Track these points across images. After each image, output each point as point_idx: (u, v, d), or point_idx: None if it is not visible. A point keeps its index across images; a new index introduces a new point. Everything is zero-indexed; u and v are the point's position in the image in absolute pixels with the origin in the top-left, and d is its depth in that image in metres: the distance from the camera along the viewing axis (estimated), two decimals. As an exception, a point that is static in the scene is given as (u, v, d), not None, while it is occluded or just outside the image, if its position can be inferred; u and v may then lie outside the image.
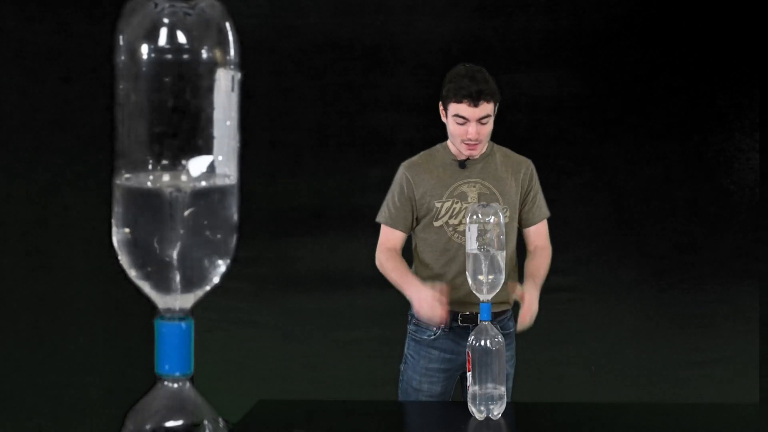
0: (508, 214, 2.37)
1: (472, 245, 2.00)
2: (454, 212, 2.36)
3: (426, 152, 2.46)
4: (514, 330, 2.43)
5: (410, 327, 2.48)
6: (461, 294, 2.29)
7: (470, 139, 2.30)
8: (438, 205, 2.37)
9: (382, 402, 2.48)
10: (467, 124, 2.29)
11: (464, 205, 2.35)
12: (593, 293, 3.68)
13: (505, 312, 2.45)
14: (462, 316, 2.36)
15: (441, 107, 2.37)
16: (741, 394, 3.30)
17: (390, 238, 2.43)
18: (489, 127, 2.32)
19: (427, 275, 2.40)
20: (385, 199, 2.46)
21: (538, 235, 2.49)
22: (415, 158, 2.46)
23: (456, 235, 2.36)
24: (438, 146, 2.46)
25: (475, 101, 2.25)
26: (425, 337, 2.42)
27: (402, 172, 2.43)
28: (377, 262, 2.45)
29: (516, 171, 2.42)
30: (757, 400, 2.04)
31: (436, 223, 2.38)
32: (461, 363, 2.38)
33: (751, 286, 3.39)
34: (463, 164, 2.38)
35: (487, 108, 2.28)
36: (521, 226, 2.47)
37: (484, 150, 2.39)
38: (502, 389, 1.99)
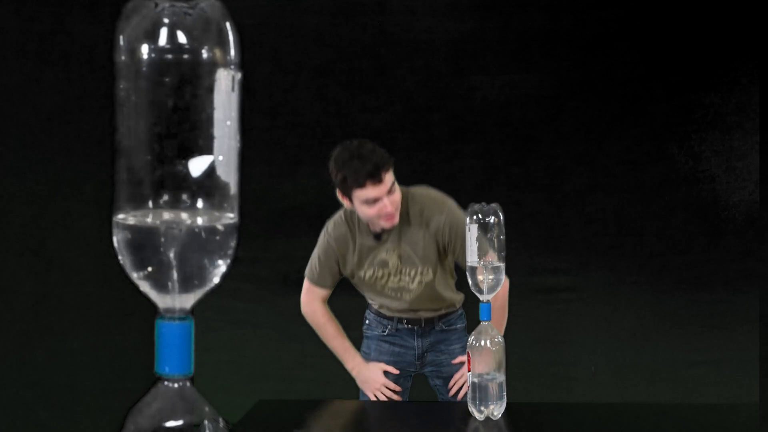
0: (430, 273, 2.35)
1: (473, 253, 1.98)
2: (378, 277, 2.37)
3: (349, 218, 2.38)
4: (465, 326, 2.53)
5: (363, 327, 2.59)
6: (403, 306, 2.43)
7: (388, 213, 2.22)
8: (361, 274, 2.38)
9: (383, 402, 2.47)
10: (379, 201, 2.20)
11: (387, 270, 2.35)
12: (593, 293, 3.68)
13: (452, 313, 2.51)
14: (407, 320, 2.47)
15: (340, 194, 2.28)
16: (741, 394, 3.30)
17: (318, 293, 2.46)
18: (398, 192, 2.26)
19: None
20: (312, 257, 2.44)
21: None
22: (340, 227, 2.38)
23: (387, 289, 2.39)
24: (357, 214, 2.34)
25: (377, 178, 2.17)
26: (377, 333, 2.53)
27: (328, 240, 2.39)
28: (310, 315, 2.49)
29: (428, 226, 2.32)
30: (757, 400, 2.04)
31: (367, 281, 2.41)
32: (409, 361, 2.50)
33: (751, 286, 3.39)
34: (378, 236, 2.35)
35: (390, 176, 2.21)
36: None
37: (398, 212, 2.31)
38: (501, 378, 1.99)
